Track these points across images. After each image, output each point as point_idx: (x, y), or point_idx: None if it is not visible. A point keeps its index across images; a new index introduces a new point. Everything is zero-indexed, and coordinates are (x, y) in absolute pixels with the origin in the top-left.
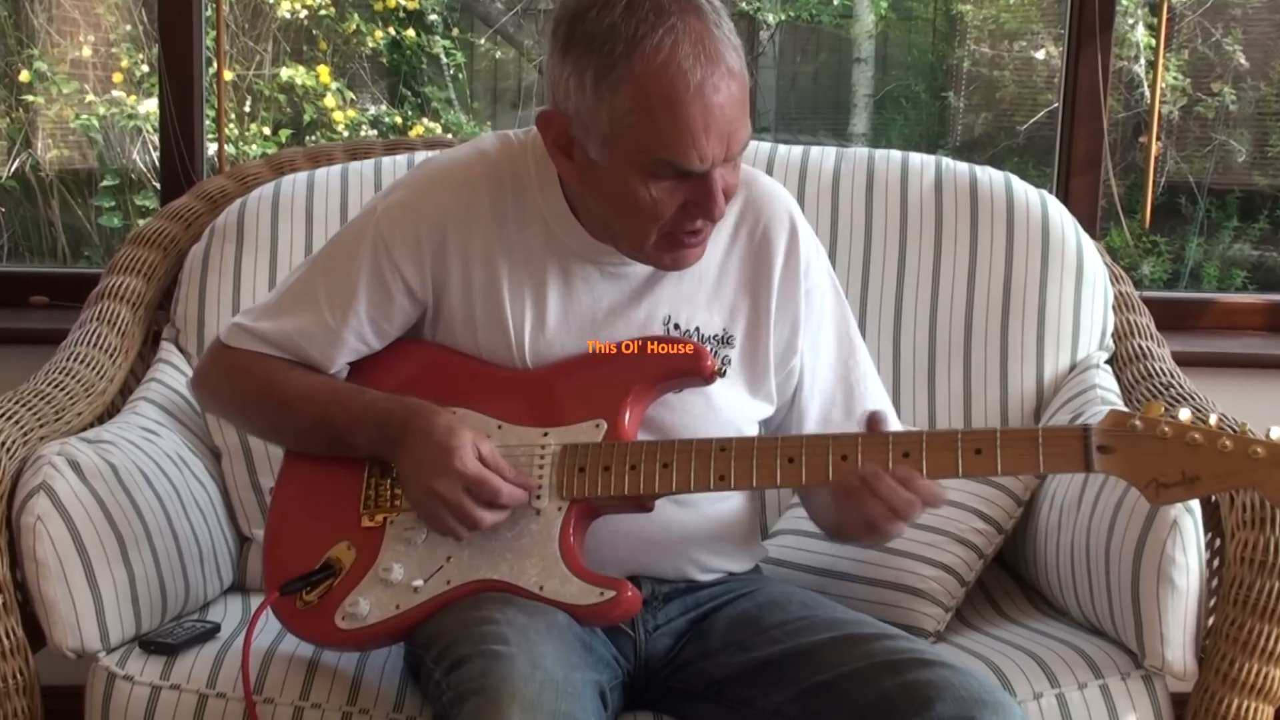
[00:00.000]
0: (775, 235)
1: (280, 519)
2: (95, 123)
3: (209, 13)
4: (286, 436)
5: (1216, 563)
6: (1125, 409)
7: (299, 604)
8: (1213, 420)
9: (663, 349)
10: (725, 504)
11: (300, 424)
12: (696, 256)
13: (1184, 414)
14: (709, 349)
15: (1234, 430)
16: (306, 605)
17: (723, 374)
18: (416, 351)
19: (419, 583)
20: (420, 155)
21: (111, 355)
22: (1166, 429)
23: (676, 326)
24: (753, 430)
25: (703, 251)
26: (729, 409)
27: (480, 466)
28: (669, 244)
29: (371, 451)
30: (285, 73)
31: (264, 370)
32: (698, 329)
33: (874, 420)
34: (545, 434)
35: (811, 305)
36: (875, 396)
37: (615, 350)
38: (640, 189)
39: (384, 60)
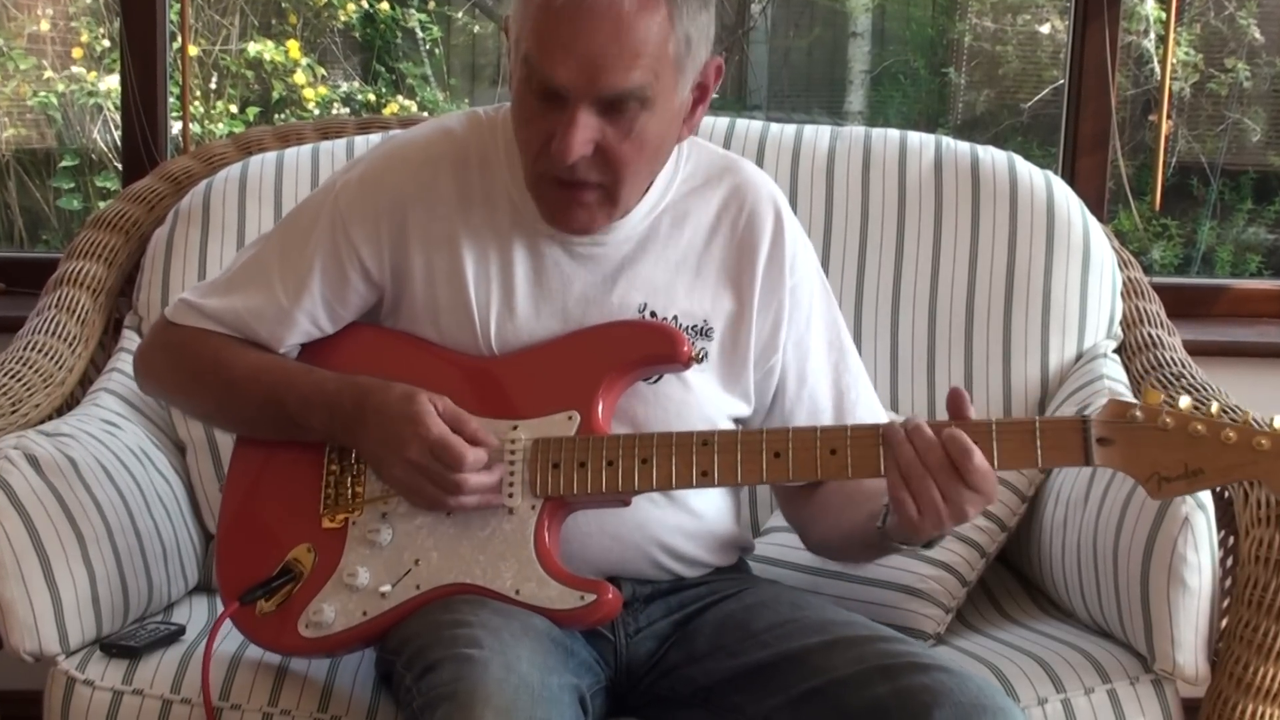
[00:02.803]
0: (760, 225)
1: (233, 520)
2: (54, 100)
3: None
4: (233, 418)
5: (1230, 561)
6: (1125, 398)
7: (258, 612)
8: (1214, 408)
9: (636, 333)
10: (704, 496)
11: (248, 404)
12: (579, 220)
13: (1184, 402)
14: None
15: (1235, 419)
16: (266, 614)
17: (699, 360)
18: (374, 337)
19: (386, 588)
20: (385, 138)
21: (71, 344)
22: (1169, 420)
23: (653, 315)
24: (728, 427)
25: (589, 220)
26: (707, 404)
27: (444, 430)
28: (545, 188)
29: (325, 435)
30: (253, 48)
31: (211, 347)
32: (675, 318)
33: (956, 399)
34: (514, 427)
35: (798, 303)
36: (867, 403)
37: (585, 335)
38: (517, 107)
39: (356, 35)
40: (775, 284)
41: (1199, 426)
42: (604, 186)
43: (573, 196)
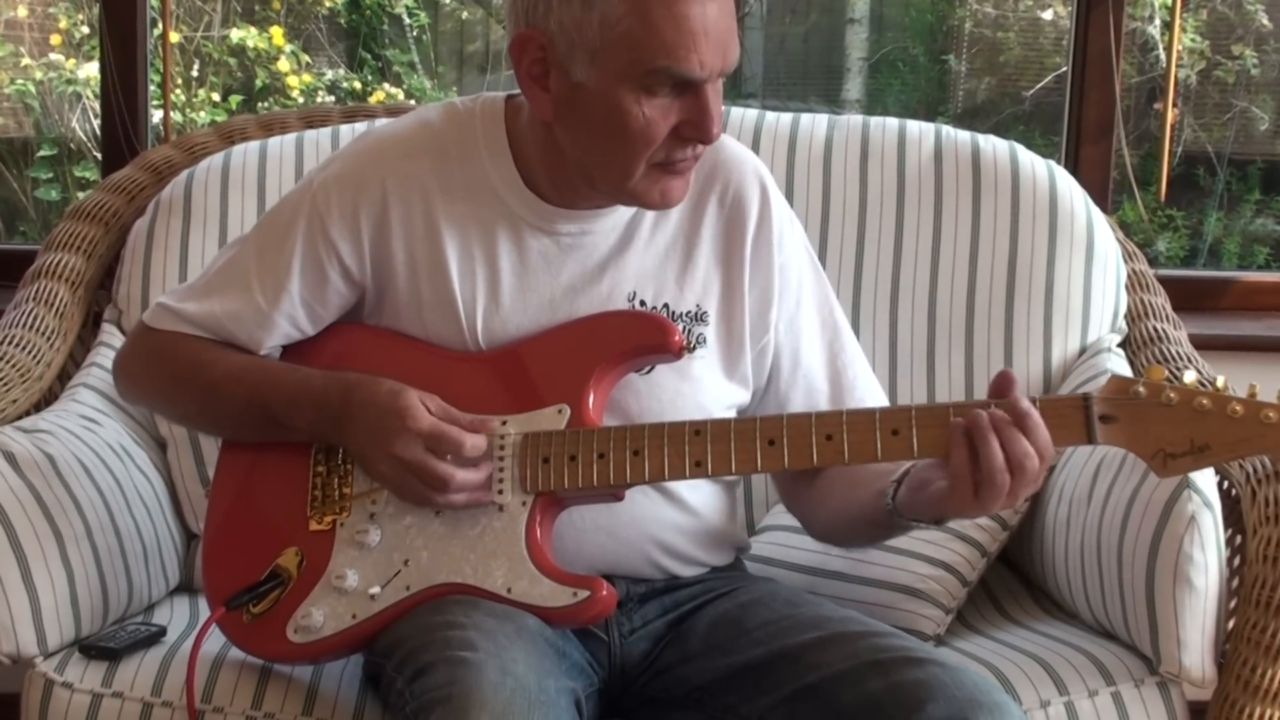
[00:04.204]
0: (747, 201)
1: (219, 525)
2: (31, 88)
3: None
4: (217, 421)
5: (1237, 561)
6: (1126, 375)
7: (245, 617)
8: (1220, 382)
9: (625, 323)
10: (699, 491)
11: (231, 406)
12: (684, 191)
13: (1189, 377)
14: (680, 327)
15: (1241, 394)
16: (254, 619)
17: (692, 350)
18: (358, 335)
19: (376, 590)
20: (381, 123)
21: (49, 338)
22: (1173, 395)
23: (642, 303)
24: (727, 416)
25: (687, 187)
26: (702, 393)
27: (435, 420)
28: (658, 175)
29: (311, 434)
30: (236, 34)
31: (191, 350)
32: (666, 305)
33: (1003, 381)
34: (504, 422)
35: (787, 280)
36: (865, 383)
37: (573, 327)
38: (633, 108)
39: (342, 21)
40: (764, 261)
41: (1204, 401)
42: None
43: (688, 170)
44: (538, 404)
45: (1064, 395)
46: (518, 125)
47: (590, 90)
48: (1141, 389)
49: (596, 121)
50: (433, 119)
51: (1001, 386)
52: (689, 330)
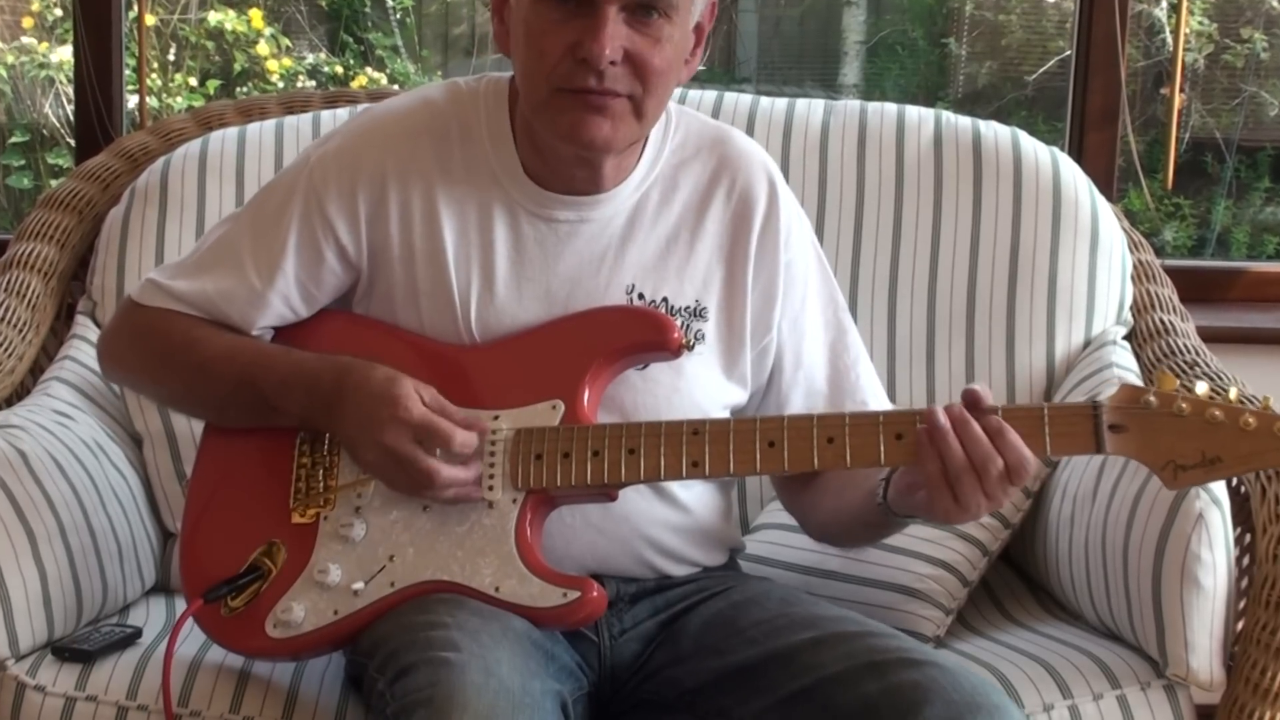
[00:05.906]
0: (754, 196)
1: (198, 515)
2: (3, 72)
3: None
4: (204, 402)
5: (1246, 561)
6: (1137, 383)
7: (224, 611)
8: (1233, 394)
9: (624, 320)
10: (693, 489)
11: (220, 387)
12: (600, 133)
13: (1201, 388)
14: (679, 322)
15: (1255, 405)
16: (233, 612)
17: (691, 347)
18: (350, 325)
19: (359, 585)
20: (363, 109)
21: (21, 331)
22: (1184, 405)
23: (641, 297)
24: (720, 416)
25: (611, 134)
26: (699, 390)
27: (427, 412)
28: (563, 102)
29: (302, 419)
30: (214, 17)
31: (180, 328)
32: (666, 299)
33: (972, 398)
34: (496, 417)
35: (793, 279)
36: (869, 387)
37: (570, 321)
38: (533, 20)
39: (323, 3)
40: (769, 259)
41: (1216, 412)
42: (633, 98)
43: (600, 104)
44: (532, 399)
45: (1073, 403)
46: (520, 107)
47: (515, 9)
48: (1152, 399)
49: (515, 41)
50: (436, 98)
51: (971, 405)
52: (688, 326)
